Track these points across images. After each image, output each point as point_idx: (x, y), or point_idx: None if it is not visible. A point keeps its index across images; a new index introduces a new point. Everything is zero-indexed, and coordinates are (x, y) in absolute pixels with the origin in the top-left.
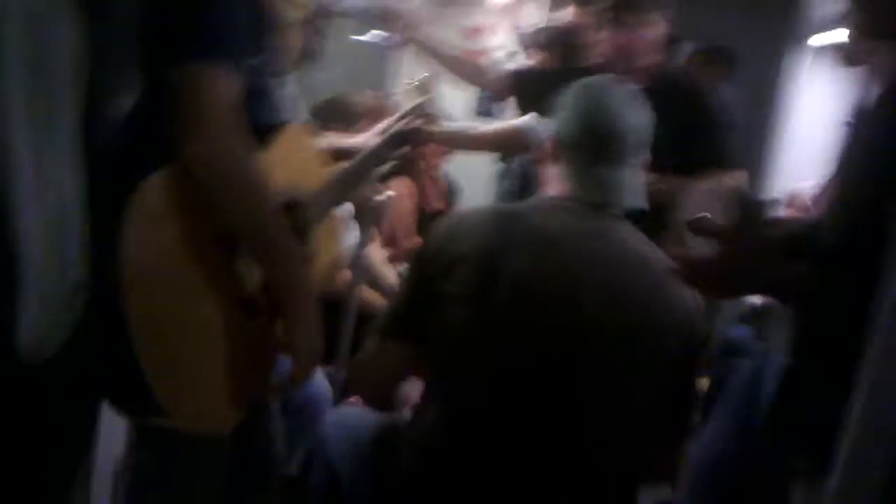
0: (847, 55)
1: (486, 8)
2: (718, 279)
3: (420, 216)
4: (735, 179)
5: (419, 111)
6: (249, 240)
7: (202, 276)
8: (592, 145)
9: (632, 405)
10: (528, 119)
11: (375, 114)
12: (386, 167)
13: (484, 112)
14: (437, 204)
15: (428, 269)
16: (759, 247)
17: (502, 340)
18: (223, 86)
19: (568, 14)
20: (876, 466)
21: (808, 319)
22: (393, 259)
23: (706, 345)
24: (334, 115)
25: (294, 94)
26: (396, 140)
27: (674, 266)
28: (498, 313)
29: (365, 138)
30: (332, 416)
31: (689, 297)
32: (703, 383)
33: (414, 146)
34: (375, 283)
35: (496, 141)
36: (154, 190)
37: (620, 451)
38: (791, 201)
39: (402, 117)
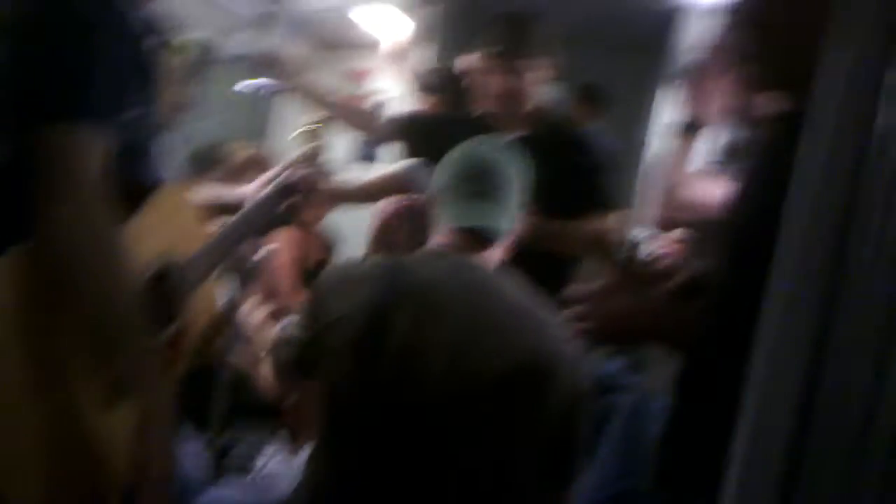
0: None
1: (372, 51)
2: (611, 330)
3: (302, 268)
4: (616, 221)
5: (307, 160)
6: (96, 330)
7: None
8: (465, 188)
9: (517, 459)
10: (413, 163)
11: (255, 164)
12: (271, 220)
13: (366, 157)
14: (318, 255)
15: (313, 326)
16: (647, 300)
17: (386, 400)
18: (88, 150)
19: (459, 59)
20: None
21: (698, 364)
22: (276, 315)
23: (590, 393)
24: (211, 165)
25: (173, 147)
26: (284, 192)
27: (558, 315)
28: (382, 373)
29: (249, 190)
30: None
31: (571, 346)
32: None
33: (302, 197)
34: (251, 344)
35: (382, 190)
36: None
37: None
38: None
39: (289, 166)
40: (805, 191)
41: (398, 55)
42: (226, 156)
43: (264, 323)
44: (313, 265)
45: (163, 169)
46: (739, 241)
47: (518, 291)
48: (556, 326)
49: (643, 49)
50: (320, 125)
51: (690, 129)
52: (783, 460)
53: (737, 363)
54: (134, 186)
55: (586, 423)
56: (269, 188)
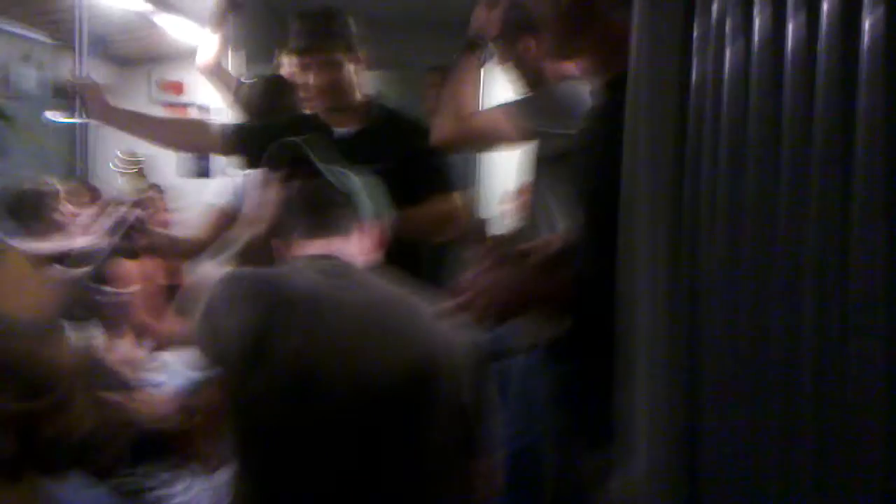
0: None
1: (184, 63)
2: (496, 309)
3: (160, 295)
4: (457, 201)
5: (136, 201)
6: None
7: None
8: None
9: (421, 446)
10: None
11: (73, 198)
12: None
13: (200, 172)
14: (170, 279)
15: (203, 349)
16: (519, 276)
17: (284, 410)
18: None
19: (272, 64)
20: (669, 443)
21: (578, 324)
22: (157, 347)
23: (476, 368)
24: (29, 209)
25: None
26: (121, 238)
27: (433, 303)
28: (275, 385)
29: (81, 241)
30: None
31: (442, 323)
32: None
33: (139, 240)
34: (112, 385)
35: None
36: None
37: (423, 488)
38: (513, 196)
39: (118, 211)
40: (637, 151)
41: (211, 66)
42: (42, 196)
43: (138, 359)
44: (168, 289)
45: None
46: (592, 204)
47: (393, 287)
48: (435, 315)
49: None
50: (138, 159)
51: (474, 45)
52: (683, 398)
53: (612, 318)
54: None
55: (483, 396)
56: (103, 237)
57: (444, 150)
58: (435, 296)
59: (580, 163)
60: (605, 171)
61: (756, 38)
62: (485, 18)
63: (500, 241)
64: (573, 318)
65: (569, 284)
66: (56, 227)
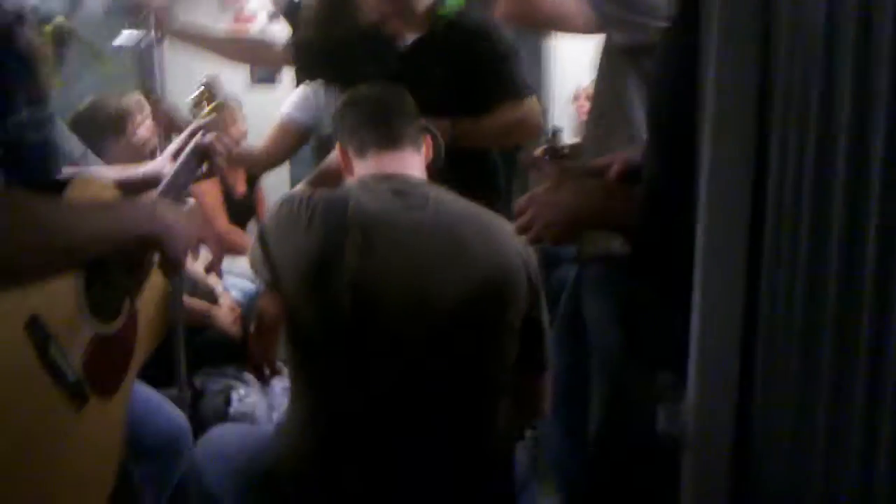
0: None
1: None
2: (561, 228)
3: (227, 202)
4: (529, 107)
5: (210, 123)
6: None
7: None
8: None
9: (485, 359)
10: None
11: (141, 114)
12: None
13: (265, 79)
14: (241, 188)
15: (262, 267)
16: (588, 191)
17: (348, 332)
18: None
19: None
20: (725, 369)
21: (646, 243)
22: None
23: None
24: (96, 123)
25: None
26: (195, 162)
27: (500, 217)
28: (339, 307)
29: (155, 167)
30: (201, 445)
31: (517, 239)
32: None
33: (213, 163)
34: (199, 292)
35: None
36: None
37: (484, 406)
38: (578, 96)
39: (192, 134)
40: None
41: None
42: (110, 111)
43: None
44: (240, 199)
45: (61, 155)
46: (665, 118)
47: (464, 204)
48: (502, 230)
49: None
50: (215, 80)
51: None
52: (737, 337)
53: (682, 240)
54: (37, 185)
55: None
56: (182, 158)
57: (507, 24)
58: (506, 208)
59: (658, 69)
60: (681, 88)
61: None
62: None
63: (567, 152)
64: (638, 236)
65: (636, 202)
66: (132, 146)
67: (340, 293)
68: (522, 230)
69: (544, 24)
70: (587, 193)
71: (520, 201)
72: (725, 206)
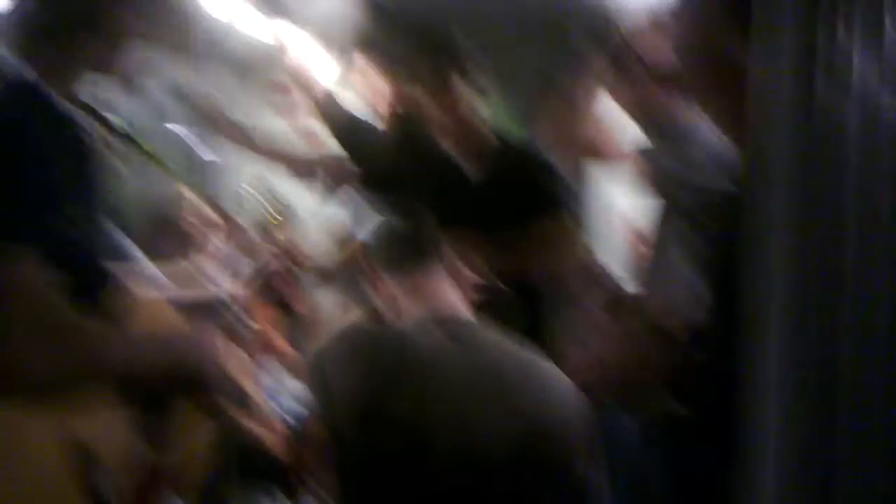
0: None
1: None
2: (610, 381)
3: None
4: (567, 224)
5: (280, 251)
6: None
7: None
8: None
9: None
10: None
11: (191, 212)
12: None
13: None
14: (300, 306)
15: (314, 395)
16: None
17: (395, 473)
18: (19, 267)
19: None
20: None
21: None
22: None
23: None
24: (146, 219)
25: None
26: (254, 283)
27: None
28: (387, 448)
29: (212, 286)
30: None
31: (568, 383)
32: None
33: (271, 285)
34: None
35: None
36: None
37: None
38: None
39: (262, 262)
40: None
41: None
42: (171, 206)
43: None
44: (298, 317)
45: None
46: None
47: (511, 345)
48: (552, 378)
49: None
50: (284, 210)
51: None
52: None
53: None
54: (88, 279)
55: (595, 467)
56: (239, 280)
57: (553, 153)
58: (551, 345)
59: (717, 231)
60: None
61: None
62: (644, 39)
63: (618, 300)
64: (694, 398)
65: (689, 363)
66: (187, 244)
67: (389, 434)
68: (575, 376)
69: (589, 155)
70: (639, 346)
71: (570, 347)
72: None
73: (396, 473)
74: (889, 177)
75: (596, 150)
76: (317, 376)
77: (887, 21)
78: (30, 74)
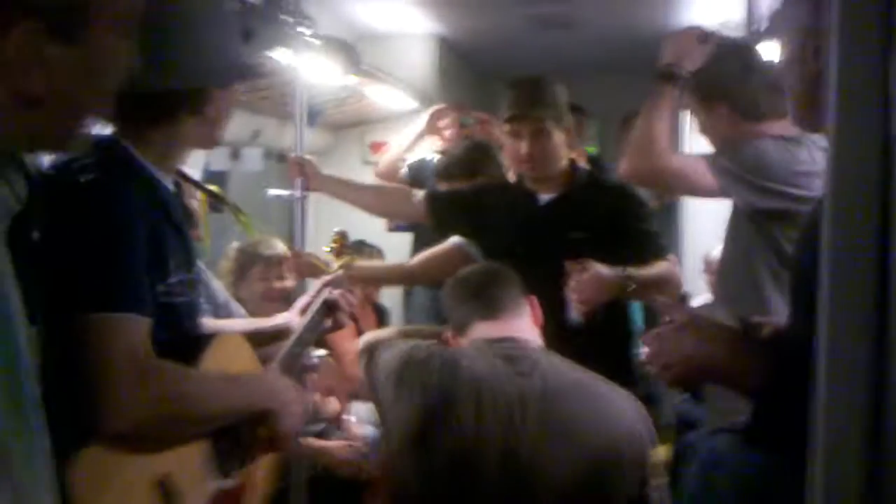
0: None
1: (393, 125)
2: (685, 371)
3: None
4: (668, 266)
5: (336, 279)
6: None
7: None
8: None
9: None
10: (458, 239)
11: (284, 264)
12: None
13: (401, 227)
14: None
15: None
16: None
17: (447, 498)
18: (126, 335)
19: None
20: None
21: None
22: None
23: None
24: (242, 271)
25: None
26: (322, 316)
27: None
28: (440, 471)
29: (284, 318)
30: None
31: (630, 407)
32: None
33: (338, 318)
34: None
35: (434, 272)
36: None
37: None
38: (708, 267)
39: (322, 288)
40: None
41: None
42: (269, 253)
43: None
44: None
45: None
46: (803, 289)
47: (576, 372)
48: (614, 404)
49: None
50: (344, 238)
51: (670, 75)
52: None
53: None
54: (185, 342)
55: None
56: (309, 313)
57: (631, 183)
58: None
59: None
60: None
61: None
62: (688, 49)
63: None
64: (766, 402)
65: (764, 364)
66: (273, 293)
67: (443, 457)
68: (646, 364)
69: (668, 184)
70: (712, 342)
71: (646, 336)
72: None
73: (445, 496)
74: None
75: (683, 182)
76: (378, 397)
77: None
78: (133, 154)
